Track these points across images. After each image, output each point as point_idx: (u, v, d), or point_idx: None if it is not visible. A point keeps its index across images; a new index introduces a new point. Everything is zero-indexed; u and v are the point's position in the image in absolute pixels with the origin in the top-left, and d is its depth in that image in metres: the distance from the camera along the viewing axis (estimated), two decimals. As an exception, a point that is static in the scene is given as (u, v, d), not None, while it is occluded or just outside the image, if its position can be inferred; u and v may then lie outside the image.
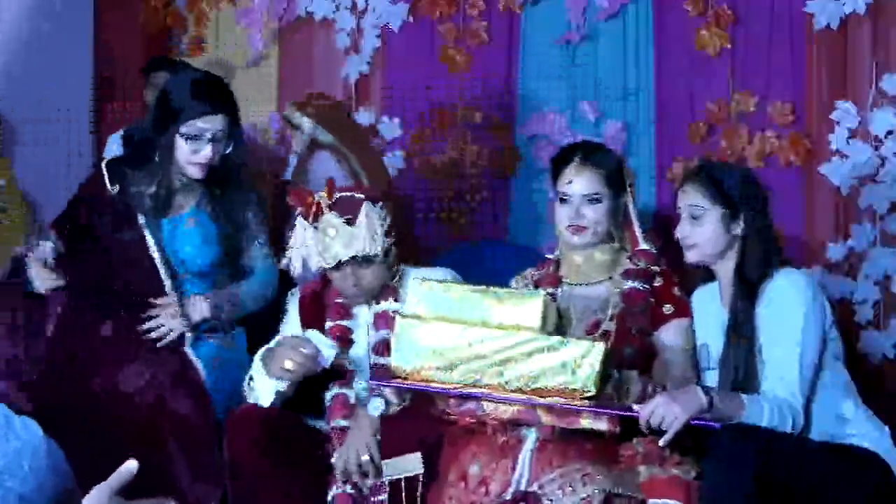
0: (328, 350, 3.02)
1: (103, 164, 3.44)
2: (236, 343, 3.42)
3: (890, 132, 3.85)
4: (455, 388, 2.71)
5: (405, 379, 2.74)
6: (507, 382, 2.68)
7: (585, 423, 2.69)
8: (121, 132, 4.30)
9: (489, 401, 2.73)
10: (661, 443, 2.63)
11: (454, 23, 4.40)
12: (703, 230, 2.96)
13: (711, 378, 2.92)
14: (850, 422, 2.88)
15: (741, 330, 2.89)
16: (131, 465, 1.73)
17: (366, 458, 2.93)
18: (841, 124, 3.88)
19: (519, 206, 4.33)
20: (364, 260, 3.09)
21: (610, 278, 3.07)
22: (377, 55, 4.52)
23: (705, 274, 3.08)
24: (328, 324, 3.19)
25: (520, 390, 2.67)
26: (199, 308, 3.33)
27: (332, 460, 3.04)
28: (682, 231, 2.99)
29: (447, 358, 2.70)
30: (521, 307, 2.72)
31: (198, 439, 3.13)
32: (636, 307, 3.00)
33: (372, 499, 2.96)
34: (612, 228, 3.09)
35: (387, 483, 2.92)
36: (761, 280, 2.91)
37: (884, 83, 3.85)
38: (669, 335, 3.01)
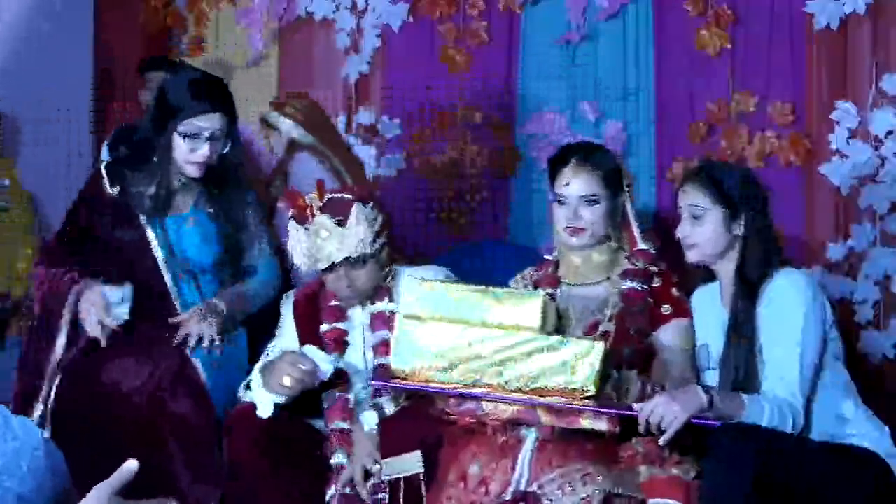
0: (326, 365, 3.03)
1: (102, 166, 3.44)
2: (236, 343, 3.42)
3: (890, 132, 3.85)
4: (455, 389, 2.71)
5: (405, 379, 2.74)
6: (506, 382, 2.68)
7: (585, 422, 2.69)
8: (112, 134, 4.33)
9: (489, 401, 2.73)
10: (660, 441, 2.63)
11: (454, 23, 4.40)
12: (703, 230, 2.96)
13: (711, 378, 2.92)
14: (850, 422, 2.88)
15: (741, 330, 2.89)
16: (131, 464, 1.73)
17: (376, 468, 2.94)
18: (841, 124, 3.88)
19: (519, 206, 4.33)
20: (357, 261, 3.09)
21: (608, 279, 3.07)
22: (377, 55, 4.52)
23: (705, 274, 3.08)
24: (323, 327, 3.20)
25: (519, 390, 2.67)
26: (217, 308, 3.34)
27: (332, 461, 3.05)
28: (683, 231, 2.99)
29: (447, 358, 2.70)
30: (521, 307, 2.73)
31: (198, 439, 3.13)
32: (635, 307, 3.00)
33: (372, 497, 2.97)
34: (611, 229, 3.09)
35: (386, 483, 2.92)
36: (762, 280, 2.91)
37: (884, 83, 3.85)
38: (668, 335, 3.01)
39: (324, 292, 3.22)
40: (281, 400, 3.01)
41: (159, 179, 3.34)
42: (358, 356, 3.18)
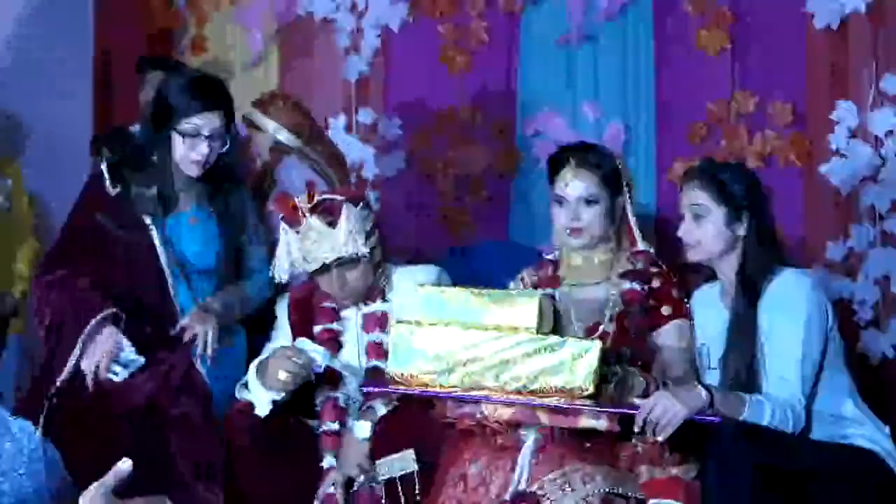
0: (319, 356, 3.03)
1: (103, 166, 3.44)
2: (234, 342, 3.42)
3: (890, 132, 3.84)
4: (453, 392, 2.71)
5: (403, 384, 2.74)
6: (505, 384, 2.67)
7: (585, 422, 2.69)
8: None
9: (488, 403, 2.73)
10: (659, 438, 2.63)
11: (454, 23, 4.40)
12: (706, 229, 2.96)
13: (712, 378, 2.92)
14: (850, 422, 2.88)
15: (743, 330, 2.89)
16: (125, 464, 1.73)
17: (362, 478, 2.94)
18: (841, 124, 3.88)
19: (519, 206, 4.33)
20: (349, 261, 3.09)
21: (608, 279, 3.08)
22: (377, 55, 4.52)
23: (706, 274, 3.08)
24: (316, 328, 3.20)
25: (518, 392, 2.67)
26: (213, 307, 3.34)
27: (322, 463, 3.05)
28: (685, 230, 2.99)
29: (444, 362, 2.70)
30: (518, 308, 2.72)
31: (203, 439, 3.13)
32: (635, 308, 3.00)
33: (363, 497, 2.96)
34: (611, 229, 3.09)
35: (382, 484, 2.92)
36: (763, 280, 2.91)
37: (884, 83, 3.85)
38: (667, 336, 3.01)
39: (318, 294, 3.23)
40: (278, 396, 3.01)
41: (160, 179, 3.35)
42: (352, 356, 3.19)
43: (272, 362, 3.01)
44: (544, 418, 2.72)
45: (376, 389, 2.92)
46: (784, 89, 3.99)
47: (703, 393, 2.67)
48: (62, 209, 3.64)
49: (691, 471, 2.73)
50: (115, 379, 3.18)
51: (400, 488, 2.89)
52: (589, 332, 2.97)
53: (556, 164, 3.12)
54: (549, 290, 3.11)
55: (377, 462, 2.92)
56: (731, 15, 4.04)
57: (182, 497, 2.96)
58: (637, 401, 2.67)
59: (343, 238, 3.07)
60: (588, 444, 2.77)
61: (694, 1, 4.06)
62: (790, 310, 2.86)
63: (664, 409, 2.61)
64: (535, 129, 4.28)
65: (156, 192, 3.35)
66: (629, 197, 3.13)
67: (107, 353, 3.18)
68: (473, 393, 2.71)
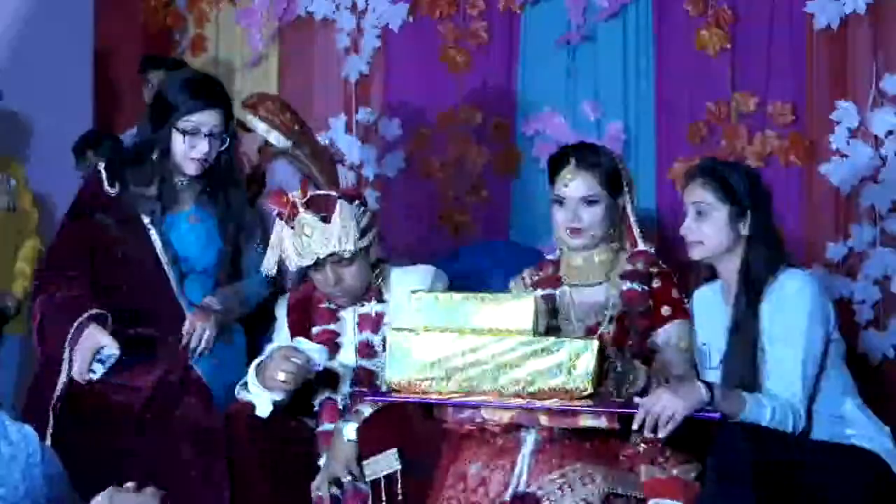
0: (318, 355, 3.03)
1: (101, 166, 3.44)
2: (234, 342, 3.42)
3: (890, 132, 3.84)
4: (452, 398, 2.70)
5: (400, 392, 2.74)
6: (503, 387, 2.67)
7: (584, 421, 2.69)
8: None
9: (488, 408, 2.73)
10: (660, 435, 2.62)
11: (454, 23, 4.41)
12: (709, 227, 2.95)
13: (713, 378, 2.91)
14: (850, 422, 2.87)
15: (745, 330, 2.88)
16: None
17: (348, 478, 2.93)
18: (841, 124, 3.88)
19: (519, 205, 4.33)
20: (343, 258, 3.09)
21: (609, 279, 3.07)
22: (377, 55, 4.52)
23: (708, 273, 3.08)
24: (315, 329, 3.20)
25: (517, 395, 2.67)
26: (214, 305, 3.34)
27: (320, 462, 3.05)
28: (688, 228, 2.98)
29: (442, 368, 2.69)
30: (513, 311, 2.71)
31: (207, 441, 3.13)
32: (635, 308, 3.00)
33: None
34: (611, 229, 3.09)
35: (368, 484, 2.91)
36: (766, 280, 2.91)
37: (884, 83, 3.85)
38: (667, 336, 3.01)
39: (316, 295, 3.23)
40: (278, 397, 3.01)
41: (160, 178, 3.34)
42: (349, 357, 3.19)
43: (271, 363, 3.01)
44: (544, 419, 2.72)
45: (376, 398, 2.91)
46: (784, 89, 4.00)
47: (704, 389, 2.66)
48: (62, 208, 3.64)
49: (691, 471, 2.72)
50: (94, 377, 3.17)
51: (383, 488, 2.88)
52: (589, 333, 2.97)
53: (557, 163, 3.11)
54: (549, 291, 3.11)
55: (363, 463, 2.91)
56: (731, 15, 4.04)
57: (186, 497, 2.96)
58: (637, 399, 2.67)
59: (336, 233, 3.07)
60: (588, 445, 2.76)
61: (694, 1, 4.07)
62: (792, 310, 2.85)
63: (664, 407, 2.61)
64: (535, 129, 4.29)
65: (155, 192, 3.34)
66: (630, 197, 3.13)
67: (87, 353, 3.18)
68: (472, 398, 2.70)
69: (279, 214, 3.12)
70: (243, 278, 3.46)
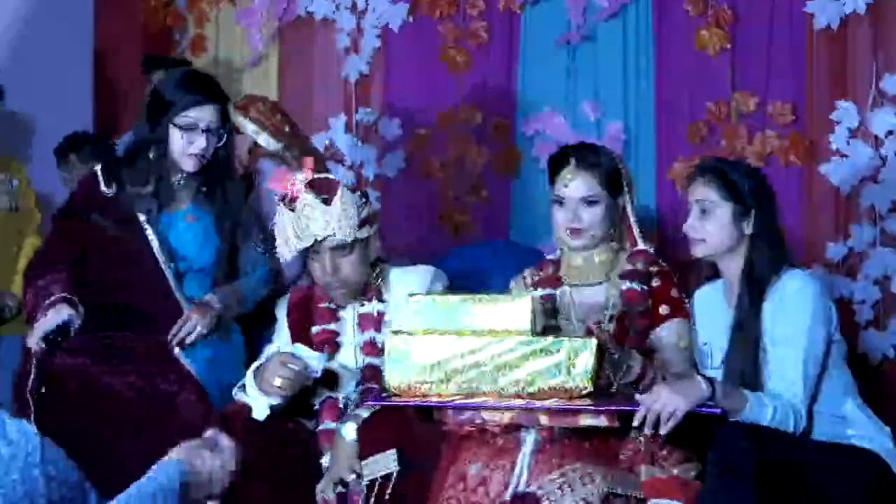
0: (316, 362, 3.03)
1: (97, 167, 3.44)
2: (231, 342, 3.42)
3: (890, 132, 3.84)
4: (452, 400, 2.70)
5: (401, 395, 2.74)
6: (503, 388, 2.67)
7: (584, 420, 2.69)
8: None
9: (487, 409, 2.72)
10: (661, 432, 2.61)
11: (454, 23, 4.41)
12: (712, 225, 2.94)
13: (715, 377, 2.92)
14: (851, 422, 2.87)
15: (747, 329, 2.88)
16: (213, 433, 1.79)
17: (351, 478, 2.93)
18: (841, 124, 3.88)
19: (519, 205, 4.33)
20: (341, 245, 3.09)
21: (609, 279, 3.07)
22: (377, 55, 4.52)
23: (710, 273, 3.08)
24: (315, 328, 3.20)
25: (517, 395, 2.66)
26: (215, 303, 3.35)
27: (322, 461, 3.05)
28: (691, 225, 2.98)
29: (441, 370, 2.69)
30: (511, 311, 2.71)
31: (196, 424, 3.13)
32: (634, 308, 3.00)
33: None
34: (611, 229, 3.09)
35: (366, 484, 2.91)
36: (769, 280, 2.90)
37: (884, 83, 3.85)
38: (666, 335, 3.01)
39: (316, 295, 3.23)
40: (275, 401, 3.01)
41: (157, 176, 3.35)
42: (349, 356, 3.19)
43: (269, 368, 3.01)
44: (544, 419, 2.72)
45: (376, 403, 2.91)
46: (784, 89, 4.00)
47: (705, 385, 2.65)
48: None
49: (691, 471, 2.72)
50: (51, 347, 3.18)
51: (381, 489, 2.88)
52: (589, 333, 2.97)
53: (557, 163, 3.11)
54: (549, 291, 3.11)
55: (363, 463, 2.91)
56: (731, 15, 4.04)
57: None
58: (637, 397, 2.67)
59: (337, 216, 3.07)
60: (588, 445, 2.76)
61: (694, 1, 4.06)
62: (795, 310, 2.85)
63: (664, 404, 2.60)
64: (535, 129, 4.29)
65: (151, 190, 3.35)
66: (630, 197, 3.13)
67: (39, 328, 3.18)
68: (472, 400, 2.70)
69: (282, 198, 3.12)
70: (240, 277, 3.46)
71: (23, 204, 4.50)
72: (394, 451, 2.86)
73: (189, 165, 3.33)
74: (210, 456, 1.94)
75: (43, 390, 3.20)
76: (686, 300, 3.07)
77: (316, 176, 3.12)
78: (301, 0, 4.62)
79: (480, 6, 4.37)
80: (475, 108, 4.38)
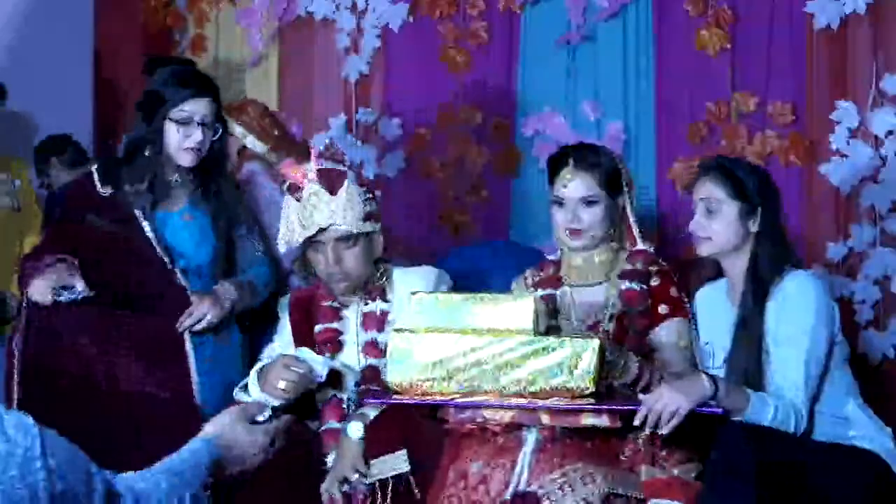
0: (320, 366, 3.03)
1: (93, 167, 3.45)
2: (231, 341, 3.42)
3: (890, 132, 3.84)
4: (454, 399, 2.70)
5: (402, 393, 2.74)
6: (504, 387, 2.67)
7: (586, 420, 2.69)
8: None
9: (489, 408, 2.72)
10: (664, 431, 2.61)
11: (454, 23, 4.41)
12: (718, 224, 2.94)
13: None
14: (852, 423, 2.87)
15: (751, 328, 2.88)
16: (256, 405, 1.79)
17: (355, 477, 2.93)
18: (841, 124, 3.88)
19: (519, 205, 4.33)
20: (345, 238, 3.09)
21: (608, 279, 3.07)
22: (377, 55, 4.52)
23: (711, 273, 3.07)
24: (317, 327, 3.20)
25: (519, 394, 2.66)
26: (230, 293, 3.34)
27: (328, 460, 3.05)
28: (697, 224, 2.97)
29: (443, 368, 2.69)
30: (513, 310, 2.71)
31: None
32: (634, 308, 3.00)
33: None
34: (611, 229, 3.09)
35: (377, 483, 2.91)
36: (773, 280, 2.90)
37: (884, 83, 3.85)
38: (666, 334, 3.01)
39: (319, 294, 3.23)
40: (277, 403, 3.01)
41: (153, 173, 3.35)
42: (351, 356, 3.19)
43: (272, 371, 3.01)
44: (545, 418, 2.72)
45: (377, 402, 2.91)
46: (784, 89, 3.99)
47: (707, 383, 2.64)
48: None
49: (692, 471, 2.72)
50: (60, 299, 3.16)
51: (391, 489, 2.88)
52: (589, 331, 2.98)
53: (556, 164, 3.11)
54: (549, 291, 3.11)
55: (371, 462, 2.91)
56: (731, 15, 4.04)
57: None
58: (640, 396, 2.66)
59: (341, 205, 3.08)
60: (589, 445, 2.76)
61: (694, 1, 4.06)
62: (798, 311, 2.85)
63: (666, 404, 2.59)
64: (535, 129, 4.28)
65: (148, 186, 3.35)
66: (629, 196, 3.13)
67: (49, 280, 3.16)
68: (474, 398, 2.70)
69: (290, 187, 3.13)
70: (238, 275, 3.46)
71: (24, 204, 4.51)
72: (404, 451, 2.86)
73: (185, 160, 3.33)
74: (245, 431, 1.93)
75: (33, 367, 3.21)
76: (686, 300, 3.07)
77: (324, 166, 3.13)
78: (301, 0, 4.62)
79: (480, 6, 4.37)
80: (475, 108, 4.37)
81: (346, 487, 2.94)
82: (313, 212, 3.08)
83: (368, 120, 4.51)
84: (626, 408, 2.67)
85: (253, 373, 3.09)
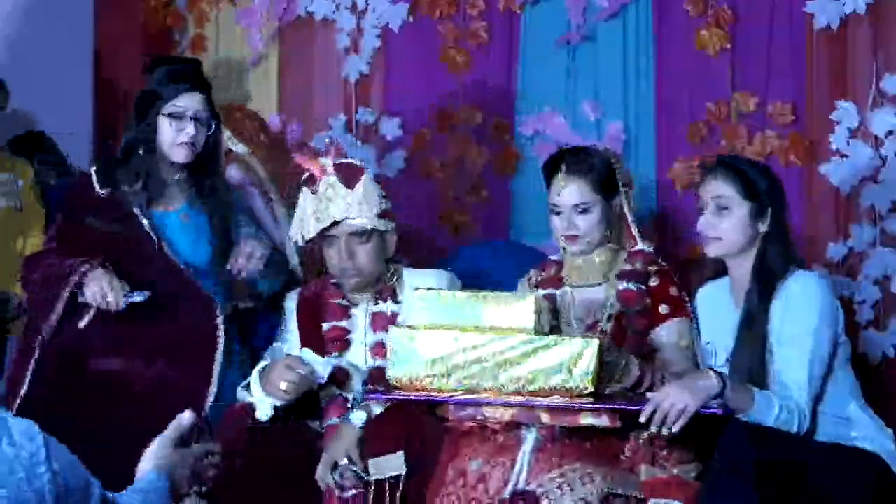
0: (321, 367, 3.03)
1: (92, 169, 3.45)
2: (232, 347, 3.42)
3: (890, 132, 3.84)
4: (453, 396, 2.71)
5: (402, 389, 2.74)
6: (503, 385, 2.67)
7: (585, 419, 2.69)
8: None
9: (489, 405, 2.73)
10: (674, 429, 2.60)
11: (454, 23, 4.40)
12: (728, 223, 2.93)
13: (719, 376, 2.91)
14: (854, 423, 2.87)
15: (756, 327, 2.87)
16: (187, 416, 1.80)
17: (344, 462, 2.93)
18: (841, 124, 3.87)
19: (519, 205, 4.33)
20: (360, 233, 3.10)
21: (608, 280, 3.08)
22: (377, 55, 4.51)
23: (711, 272, 3.07)
24: (325, 325, 3.20)
25: (518, 393, 2.67)
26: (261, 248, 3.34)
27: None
28: (707, 223, 2.96)
29: (443, 365, 2.70)
30: (514, 309, 2.72)
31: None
32: (631, 308, 3.00)
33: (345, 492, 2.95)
34: (609, 231, 3.09)
35: (372, 483, 2.91)
36: (780, 278, 2.90)
37: (884, 83, 3.84)
38: (667, 334, 3.02)
39: (328, 292, 3.23)
40: (279, 403, 3.02)
41: (148, 170, 3.35)
42: (358, 355, 3.19)
43: (273, 371, 3.02)
44: (545, 417, 2.72)
45: (377, 397, 2.92)
46: (784, 89, 3.99)
47: (715, 380, 2.64)
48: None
49: (692, 471, 2.72)
50: (137, 299, 3.18)
51: (389, 490, 2.88)
52: (588, 331, 2.98)
53: (549, 172, 3.13)
54: (550, 291, 3.12)
55: (369, 461, 2.91)
56: (731, 15, 4.03)
57: None
58: (648, 394, 2.66)
59: (357, 200, 3.10)
60: (588, 444, 2.77)
61: (694, 1, 4.06)
62: (803, 310, 2.84)
63: (673, 403, 2.59)
64: (535, 129, 4.28)
65: (143, 184, 3.35)
66: (627, 197, 3.13)
67: (108, 282, 3.16)
68: (473, 396, 2.71)
69: (306, 179, 3.14)
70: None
71: (27, 204, 4.51)
72: (401, 452, 2.87)
73: (179, 156, 3.34)
74: (182, 455, 1.95)
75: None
76: (687, 299, 3.07)
77: (342, 160, 3.15)
78: (301, 0, 4.62)
79: (480, 6, 4.37)
80: (475, 108, 4.37)
81: (336, 474, 2.93)
82: (329, 204, 3.09)
83: (368, 120, 4.51)
84: (626, 407, 2.67)
85: (255, 372, 3.10)
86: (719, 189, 2.95)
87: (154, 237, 3.34)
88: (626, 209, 3.14)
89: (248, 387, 3.12)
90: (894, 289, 3.83)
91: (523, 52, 4.34)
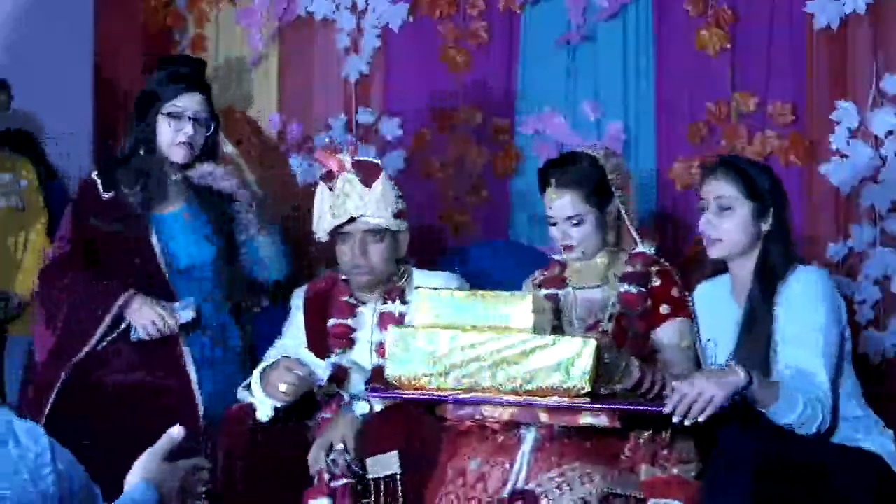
0: (321, 370, 3.04)
1: (94, 174, 3.45)
2: (228, 342, 3.42)
3: (890, 132, 3.84)
4: (452, 394, 2.71)
5: (400, 388, 2.74)
6: (501, 384, 2.67)
7: (584, 419, 2.69)
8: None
9: (489, 404, 2.73)
10: (699, 420, 2.58)
11: (454, 23, 4.40)
12: (731, 223, 2.92)
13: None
14: (854, 423, 2.87)
15: (759, 326, 2.86)
16: (176, 431, 1.80)
17: (340, 446, 2.93)
18: (841, 124, 3.87)
19: (519, 205, 4.33)
20: (374, 231, 3.10)
21: (608, 281, 3.08)
22: (377, 55, 4.52)
23: (711, 271, 3.07)
24: (330, 321, 3.20)
25: (515, 392, 2.67)
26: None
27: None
28: (709, 223, 2.95)
29: (441, 364, 2.70)
30: (512, 309, 2.72)
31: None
32: (632, 311, 3.01)
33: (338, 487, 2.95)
34: (606, 236, 3.10)
35: (370, 481, 2.91)
36: (781, 277, 2.89)
37: (884, 83, 3.84)
38: (667, 334, 3.02)
39: (336, 288, 3.24)
40: (279, 404, 3.02)
41: (148, 170, 3.36)
42: (363, 354, 3.19)
43: (273, 372, 3.02)
44: (544, 416, 2.73)
45: (378, 395, 2.92)
46: (784, 89, 3.99)
47: (742, 374, 2.61)
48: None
49: (691, 470, 2.73)
50: (189, 318, 3.27)
51: (385, 489, 2.89)
52: (589, 331, 2.99)
53: (541, 183, 3.14)
54: (553, 291, 3.13)
55: (367, 460, 2.91)
56: (731, 15, 4.03)
57: None
58: (674, 384, 2.64)
59: (375, 199, 3.12)
60: (587, 444, 2.77)
61: (694, 1, 4.06)
62: (811, 305, 2.83)
63: (700, 392, 2.57)
64: (535, 129, 4.28)
65: (144, 184, 3.35)
66: (623, 200, 3.13)
67: (156, 312, 3.19)
68: (472, 395, 2.71)
69: (323, 175, 3.16)
70: (240, 272, 3.46)
71: (29, 203, 4.51)
72: (395, 452, 2.87)
73: (178, 155, 3.35)
74: (171, 469, 1.95)
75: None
76: (688, 300, 3.07)
77: (361, 158, 3.16)
78: (301, 0, 4.62)
79: (480, 6, 4.37)
80: (475, 108, 4.37)
81: (329, 459, 2.93)
82: (346, 200, 3.10)
83: (368, 120, 4.51)
84: (625, 408, 2.67)
85: (256, 372, 3.10)
86: (721, 189, 2.94)
87: (152, 238, 3.34)
88: (623, 212, 3.14)
89: (249, 387, 3.12)
90: (894, 289, 3.83)
91: (523, 52, 4.34)
